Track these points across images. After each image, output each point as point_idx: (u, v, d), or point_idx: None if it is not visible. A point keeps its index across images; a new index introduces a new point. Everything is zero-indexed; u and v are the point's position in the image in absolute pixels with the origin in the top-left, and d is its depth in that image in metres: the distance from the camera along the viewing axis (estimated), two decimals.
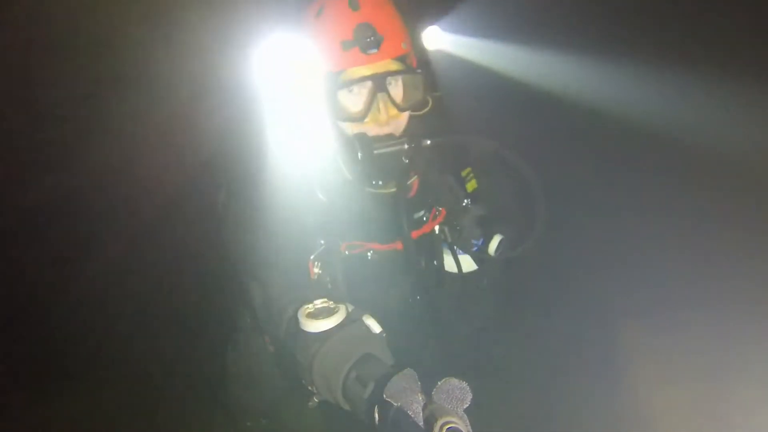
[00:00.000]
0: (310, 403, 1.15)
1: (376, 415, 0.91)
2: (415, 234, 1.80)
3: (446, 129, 1.69)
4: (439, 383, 0.84)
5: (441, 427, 0.78)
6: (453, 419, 0.79)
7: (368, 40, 1.43)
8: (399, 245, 1.78)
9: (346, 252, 1.65)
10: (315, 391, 1.10)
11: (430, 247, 1.87)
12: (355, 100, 1.51)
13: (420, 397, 0.86)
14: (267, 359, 2.03)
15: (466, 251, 1.83)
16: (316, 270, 1.58)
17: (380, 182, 1.57)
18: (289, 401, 2.14)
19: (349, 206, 1.64)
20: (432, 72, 1.77)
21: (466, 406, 0.83)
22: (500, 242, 1.81)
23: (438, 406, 0.83)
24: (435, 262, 1.88)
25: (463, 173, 1.82)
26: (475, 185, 1.81)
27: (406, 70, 1.50)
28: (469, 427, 0.81)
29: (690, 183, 2.25)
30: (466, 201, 1.78)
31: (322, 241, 1.62)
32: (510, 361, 2.13)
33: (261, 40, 1.57)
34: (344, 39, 1.44)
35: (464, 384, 0.84)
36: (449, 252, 1.88)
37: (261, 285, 1.45)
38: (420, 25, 1.66)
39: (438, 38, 1.77)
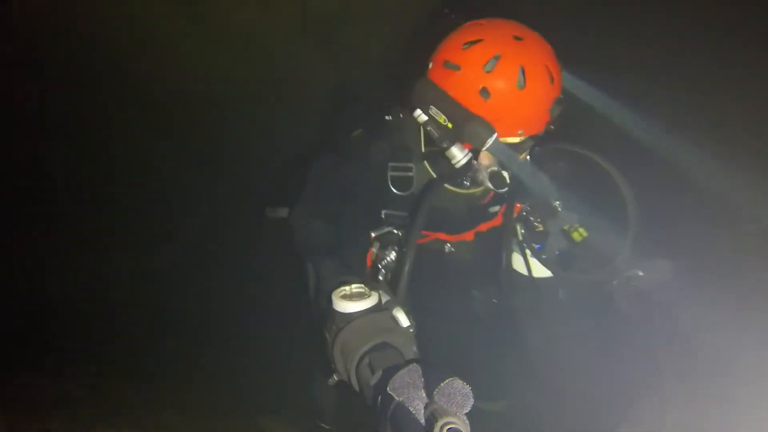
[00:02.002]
0: (330, 381, 1.17)
1: (378, 405, 0.91)
2: (485, 226, 1.83)
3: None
4: (442, 384, 0.83)
5: (441, 428, 0.77)
6: (454, 420, 0.77)
7: (560, 116, 1.50)
8: (467, 236, 1.81)
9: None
10: (335, 369, 1.14)
11: (499, 242, 1.84)
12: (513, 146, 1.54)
13: (423, 394, 0.85)
14: None
15: (530, 250, 1.83)
16: (374, 250, 1.63)
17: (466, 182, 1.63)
18: None
19: (423, 198, 1.64)
20: None
21: (466, 411, 0.81)
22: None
23: (439, 405, 0.81)
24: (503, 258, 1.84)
25: None
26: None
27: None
28: (469, 429, 0.79)
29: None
30: (557, 203, 1.76)
31: (386, 229, 1.68)
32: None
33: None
34: (546, 120, 1.50)
35: (467, 389, 0.82)
36: (519, 252, 1.87)
37: (316, 267, 1.50)
38: None
39: None
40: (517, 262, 1.91)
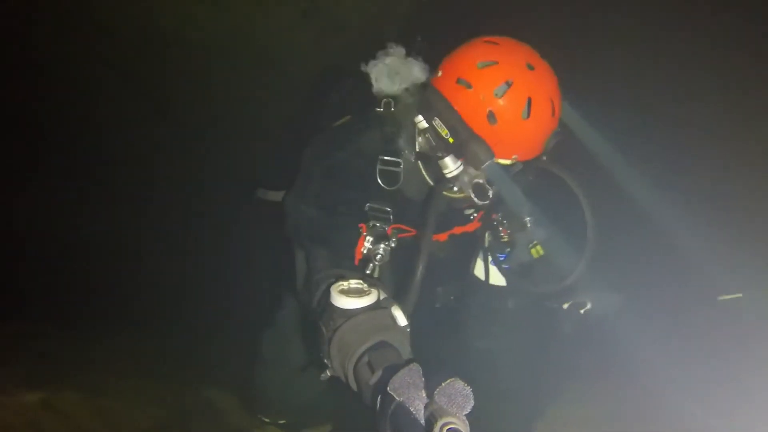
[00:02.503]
0: (323, 376, 1.17)
1: (377, 405, 0.92)
2: (459, 229, 1.88)
3: None
4: (443, 384, 0.83)
5: (441, 428, 0.78)
6: (454, 420, 0.78)
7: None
8: (441, 237, 1.85)
9: (394, 237, 1.69)
10: (329, 365, 1.14)
11: (469, 249, 1.94)
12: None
13: (423, 394, 0.85)
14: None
15: (493, 258, 1.89)
16: (367, 244, 1.64)
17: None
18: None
19: (406, 196, 1.70)
20: None
21: (466, 412, 0.82)
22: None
23: (439, 406, 0.82)
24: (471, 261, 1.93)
25: None
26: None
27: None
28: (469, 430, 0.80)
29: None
30: (528, 218, 1.82)
31: (370, 223, 1.68)
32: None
33: None
34: (541, 150, 1.55)
35: (468, 390, 0.83)
36: (482, 261, 1.94)
37: (307, 255, 1.51)
38: None
39: None
40: (478, 268, 2.00)
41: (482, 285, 1.99)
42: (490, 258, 1.94)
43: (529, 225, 1.84)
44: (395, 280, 1.63)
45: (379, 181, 1.67)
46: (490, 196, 1.54)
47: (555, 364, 2.31)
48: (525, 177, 1.66)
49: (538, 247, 1.89)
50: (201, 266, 4.43)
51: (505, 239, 1.88)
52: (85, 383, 2.24)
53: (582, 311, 1.95)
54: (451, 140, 1.51)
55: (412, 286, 1.37)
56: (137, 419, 2.18)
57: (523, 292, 1.97)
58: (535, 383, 2.29)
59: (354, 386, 1.07)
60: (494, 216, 1.85)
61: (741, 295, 2.11)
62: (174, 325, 3.60)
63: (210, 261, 4.45)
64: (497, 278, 1.99)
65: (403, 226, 1.74)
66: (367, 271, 1.54)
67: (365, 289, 1.17)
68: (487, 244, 1.93)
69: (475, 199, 1.55)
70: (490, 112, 1.45)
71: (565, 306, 1.98)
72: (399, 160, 1.67)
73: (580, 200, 1.63)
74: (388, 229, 1.69)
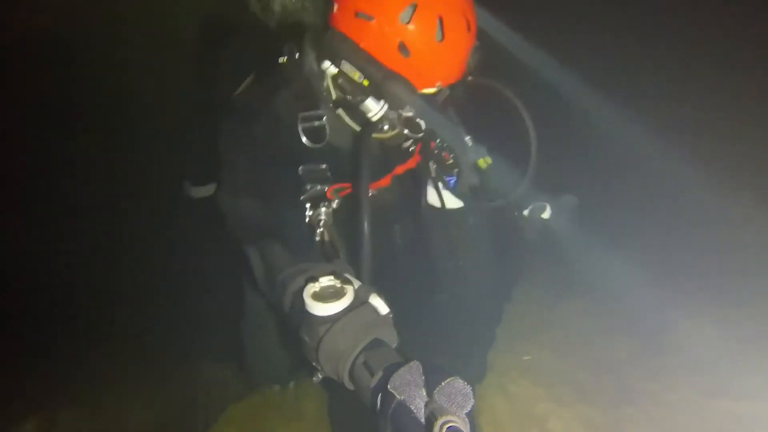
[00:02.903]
0: (315, 378, 1.17)
1: (378, 404, 0.93)
2: (400, 169, 1.83)
3: None
4: (443, 383, 0.84)
5: (441, 427, 0.79)
6: (454, 419, 0.79)
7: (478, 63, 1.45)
8: (384, 182, 1.81)
9: (335, 198, 1.64)
10: (320, 369, 1.12)
11: (416, 183, 1.91)
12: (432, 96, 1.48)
13: (424, 392, 0.86)
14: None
15: (443, 183, 1.87)
16: (307, 212, 1.57)
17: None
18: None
19: (338, 149, 1.61)
20: None
21: (466, 411, 0.83)
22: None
23: (439, 404, 0.83)
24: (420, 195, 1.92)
25: None
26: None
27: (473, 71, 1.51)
28: (469, 428, 0.81)
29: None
30: (467, 138, 1.78)
31: (308, 186, 1.60)
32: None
33: None
34: (464, 70, 1.45)
35: (468, 389, 0.84)
36: (433, 189, 1.92)
37: (261, 253, 1.43)
38: None
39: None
40: (431, 196, 1.98)
41: (439, 212, 1.98)
42: (440, 185, 1.91)
43: (470, 144, 1.80)
44: (347, 240, 1.59)
45: (305, 140, 1.54)
46: (424, 127, 1.46)
47: (520, 271, 2.42)
48: (454, 99, 1.58)
49: (487, 158, 1.86)
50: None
51: (450, 162, 1.83)
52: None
53: (543, 216, 2.01)
54: (366, 83, 1.39)
55: (362, 246, 1.32)
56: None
57: (481, 208, 1.99)
58: (502, 292, 2.42)
59: (350, 386, 1.07)
60: (433, 144, 1.79)
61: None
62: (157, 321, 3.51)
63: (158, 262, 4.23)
64: (453, 202, 1.98)
65: (342, 185, 1.66)
66: (317, 239, 1.49)
67: (339, 287, 1.13)
68: (434, 174, 1.89)
69: (410, 134, 1.48)
70: (401, 43, 1.34)
71: (526, 213, 2.03)
72: (319, 112, 1.55)
73: (516, 106, 1.58)
74: (328, 191, 1.61)
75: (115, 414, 2.17)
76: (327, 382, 1.16)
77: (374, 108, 1.42)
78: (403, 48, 1.34)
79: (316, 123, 1.55)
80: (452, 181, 1.92)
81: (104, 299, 3.75)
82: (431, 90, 1.44)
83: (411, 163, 1.85)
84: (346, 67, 1.40)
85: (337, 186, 1.65)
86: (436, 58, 1.38)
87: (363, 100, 1.43)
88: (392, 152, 1.74)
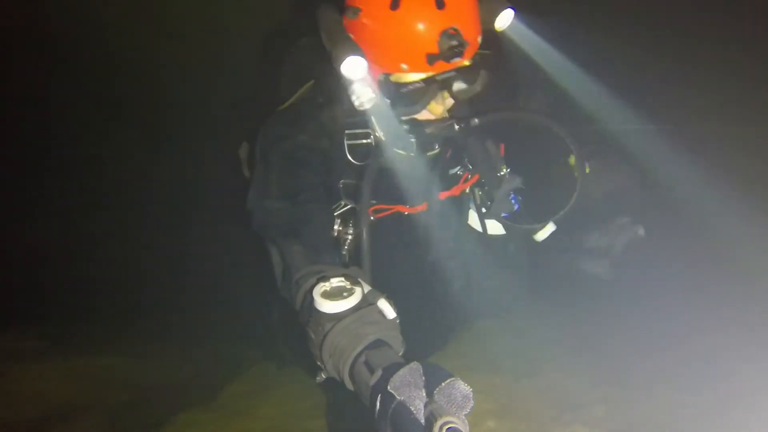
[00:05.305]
0: (318, 378, 1.16)
1: (378, 404, 0.91)
2: (443, 195, 1.82)
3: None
4: (443, 384, 0.83)
5: (441, 427, 0.77)
6: (453, 419, 0.78)
7: (455, 50, 1.28)
8: (425, 207, 1.79)
9: (372, 217, 1.64)
10: (323, 368, 1.13)
11: (458, 209, 1.89)
12: (415, 92, 1.40)
13: (423, 394, 0.85)
14: None
15: (495, 218, 1.84)
16: (336, 227, 1.58)
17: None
18: None
19: (380, 168, 1.59)
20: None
21: (466, 412, 0.81)
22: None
23: (439, 405, 0.82)
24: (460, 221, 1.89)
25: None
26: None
27: (476, 66, 1.40)
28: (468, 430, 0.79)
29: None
30: (504, 170, 1.72)
31: (343, 202, 1.61)
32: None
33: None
34: (430, 52, 1.30)
35: (469, 390, 0.82)
36: (476, 213, 1.90)
37: (281, 252, 1.45)
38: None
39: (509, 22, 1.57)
40: (472, 219, 1.96)
41: (480, 235, 1.95)
42: (483, 210, 1.87)
43: (505, 174, 1.74)
44: (378, 261, 1.56)
45: (350, 157, 1.56)
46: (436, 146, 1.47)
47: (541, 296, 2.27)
48: (490, 130, 1.58)
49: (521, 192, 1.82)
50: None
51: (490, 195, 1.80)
52: None
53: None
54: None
55: (363, 262, 1.34)
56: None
57: (520, 235, 1.91)
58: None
59: (350, 387, 1.07)
60: (477, 176, 1.78)
61: None
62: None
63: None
64: (495, 228, 1.94)
65: (379, 206, 1.67)
66: (343, 253, 1.50)
67: (347, 287, 1.14)
68: (478, 201, 1.86)
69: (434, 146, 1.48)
70: (356, 9, 1.32)
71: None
72: (368, 130, 1.55)
73: (560, 135, 1.55)
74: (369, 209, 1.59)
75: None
76: (329, 383, 1.15)
77: (361, 96, 1.35)
78: (352, 10, 1.33)
79: (364, 141, 1.56)
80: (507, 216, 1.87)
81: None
82: (404, 77, 1.35)
83: (455, 191, 1.83)
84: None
85: (376, 207, 1.66)
86: (390, 31, 1.30)
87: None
88: (436, 177, 1.74)
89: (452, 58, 1.30)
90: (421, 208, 1.79)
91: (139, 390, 2.26)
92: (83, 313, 3.39)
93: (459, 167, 1.78)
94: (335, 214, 1.59)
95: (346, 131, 1.56)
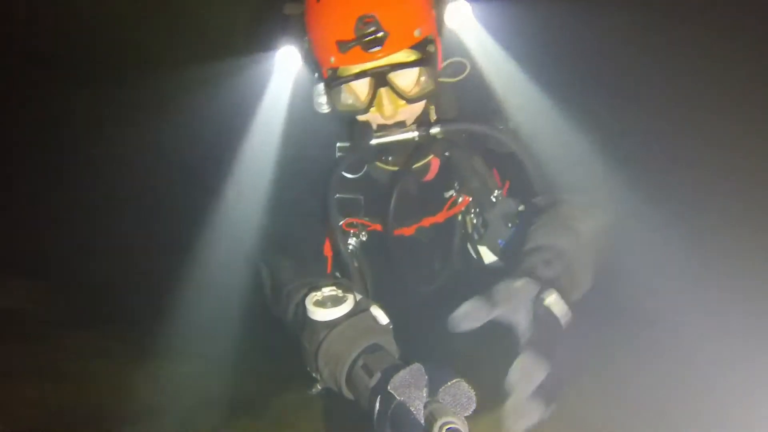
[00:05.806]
0: (313, 390, 1.15)
1: (377, 405, 0.91)
2: (428, 221, 1.74)
3: (466, 111, 1.54)
4: (448, 384, 0.83)
5: (441, 427, 0.77)
6: (453, 419, 0.78)
7: (370, 38, 1.23)
8: (407, 231, 1.73)
9: (355, 232, 1.62)
10: (318, 378, 1.11)
11: (447, 236, 1.76)
12: (357, 92, 1.37)
13: (423, 394, 0.85)
14: None
15: (490, 248, 1.68)
16: (335, 239, 1.52)
17: (389, 158, 1.50)
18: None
19: (375, 181, 1.58)
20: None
21: (468, 413, 0.81)
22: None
23: (439, 405, 0.82)
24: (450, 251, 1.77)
25: None
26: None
27: (416, 62, 1.31)
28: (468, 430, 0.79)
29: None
30: (497, 192, 1.58)
31: (342, 216, 1.59)
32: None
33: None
34: (342, 39, 1.25)
35: (472, 392, 0.83)
36: (468, 242, 1.77)
37: (271, 269, 1.44)
38: None
39: (465, 15, 1.52)
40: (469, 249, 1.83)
41: (478, 263, 1.80)
42: (476, 237, 1.73)
43: (498, 197, 1.61)
44: (372, 276, 1.57)
45: (343, 171, 1.49)
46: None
47: None
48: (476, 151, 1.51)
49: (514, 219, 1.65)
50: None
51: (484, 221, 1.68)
52: None
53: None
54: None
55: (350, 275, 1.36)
56: None
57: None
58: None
59: (347, 394, 1.05)
60: (468, 199, 1.68)
61: None
62: None
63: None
64: (490, 257, 1.75)
65: (366, 222, 1.63)
66: (355, 265, 1.48)
67: (340, 296, 1.13)
68: (470, 229, 1.74)
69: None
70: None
71: None
72: (361, 143, 1.48)
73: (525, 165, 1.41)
74: (344, 223, 1.59)
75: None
76: (325, 393, 1.13)
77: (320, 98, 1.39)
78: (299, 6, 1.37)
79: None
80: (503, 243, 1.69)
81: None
82: (343, 71, 1.32)
83: (439, 218, 1.73)
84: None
85: (362, 222, 1.63)
86: (314, 20, 1.32)
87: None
88: (428, 200, 1.67)
89: (370, 47, 1.25)
90: (406, 231, 1.73)
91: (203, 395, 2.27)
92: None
93: (453, 191, 1.68)
94: (327, 228, 1.54)
95: (338, 144, 1.54)
